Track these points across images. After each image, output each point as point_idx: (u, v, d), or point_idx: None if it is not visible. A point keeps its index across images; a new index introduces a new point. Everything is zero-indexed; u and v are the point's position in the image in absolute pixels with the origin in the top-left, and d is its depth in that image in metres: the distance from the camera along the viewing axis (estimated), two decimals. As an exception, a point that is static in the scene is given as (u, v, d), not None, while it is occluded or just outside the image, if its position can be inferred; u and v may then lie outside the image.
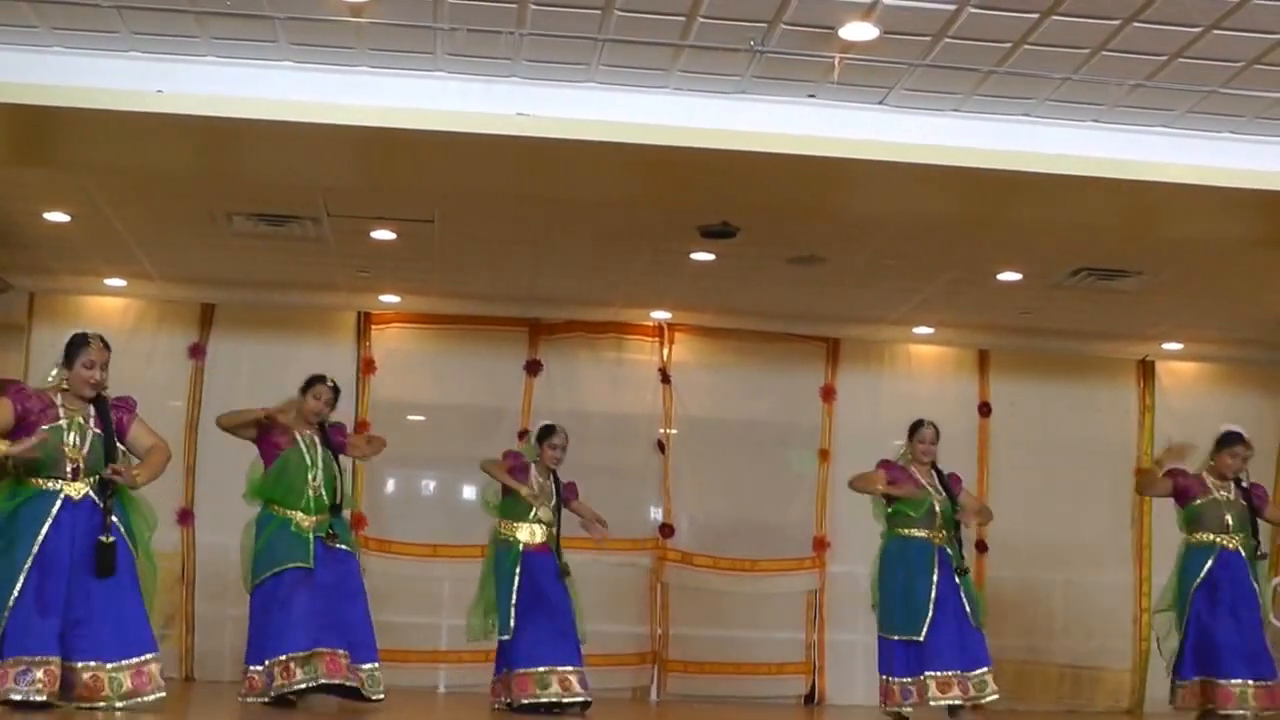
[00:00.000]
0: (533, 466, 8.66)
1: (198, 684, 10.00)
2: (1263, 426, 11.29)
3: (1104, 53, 6.04)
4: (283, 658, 7.38)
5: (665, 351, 11.32)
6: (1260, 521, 8.61)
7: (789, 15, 5.80)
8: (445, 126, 6.61)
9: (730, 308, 10.93)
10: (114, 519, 6.47)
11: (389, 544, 10.54)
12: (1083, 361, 11.57)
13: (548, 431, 8.77)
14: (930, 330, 11.32)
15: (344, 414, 10.53)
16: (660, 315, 11.18)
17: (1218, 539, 8.48)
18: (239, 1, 5.88)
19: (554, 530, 8.65)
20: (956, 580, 8.54)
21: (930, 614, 8.42)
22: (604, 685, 10.70)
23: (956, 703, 8.34)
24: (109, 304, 10.82)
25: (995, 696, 8.48)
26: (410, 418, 10.26)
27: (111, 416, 6.63)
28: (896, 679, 8.48)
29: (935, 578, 8.49)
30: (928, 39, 5.98)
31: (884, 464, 8.74)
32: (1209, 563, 8.45)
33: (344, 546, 7.76)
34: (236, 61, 6.46)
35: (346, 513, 7.95)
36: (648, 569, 11.01)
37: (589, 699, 8.40)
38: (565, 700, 8.33)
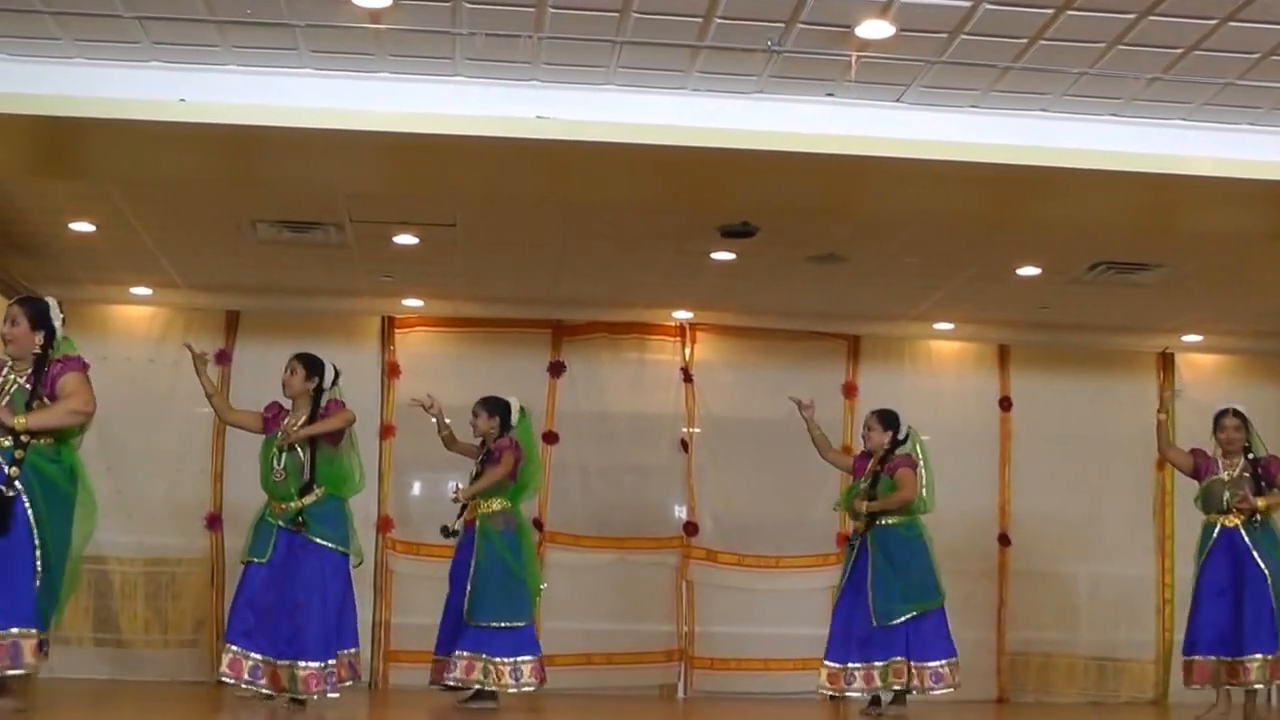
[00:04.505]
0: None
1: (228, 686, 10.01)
2: (1284, 417, 11.32)
3: (1119, 47, 6.04)
4: (230, 645, 7.75)
5: (687, 351, 11.35)
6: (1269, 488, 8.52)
7: (806, 14, 5.81)
8: (465, 131, 6.63)
9: (751, 307, 10.96)
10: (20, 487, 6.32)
11: (417, 546, 10.60)
12: (1103, 355, 11.56)
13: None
14: (950, 326, 11.33)
15: (370, 417, 10.67)
16: (682, 315, 11.22)
17: (1220, 519, 8.53)
18: (259, 10, 5.91)
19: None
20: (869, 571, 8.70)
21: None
22: (632, 683, 10.80)
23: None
24: (136, 312, 10.90)
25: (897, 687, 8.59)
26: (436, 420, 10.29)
27: (47, 371, 6.59)
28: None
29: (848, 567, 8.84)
30: (944, 36, 5.99)
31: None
32: (1209, 542, 8.56)
33: (317, 539, 7.74)
34: (258, 70, 6.49)
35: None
36: (673, 567, 11.07)
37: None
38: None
